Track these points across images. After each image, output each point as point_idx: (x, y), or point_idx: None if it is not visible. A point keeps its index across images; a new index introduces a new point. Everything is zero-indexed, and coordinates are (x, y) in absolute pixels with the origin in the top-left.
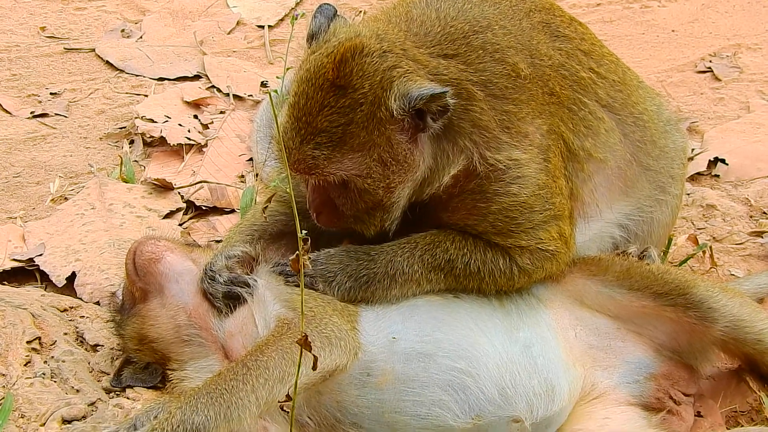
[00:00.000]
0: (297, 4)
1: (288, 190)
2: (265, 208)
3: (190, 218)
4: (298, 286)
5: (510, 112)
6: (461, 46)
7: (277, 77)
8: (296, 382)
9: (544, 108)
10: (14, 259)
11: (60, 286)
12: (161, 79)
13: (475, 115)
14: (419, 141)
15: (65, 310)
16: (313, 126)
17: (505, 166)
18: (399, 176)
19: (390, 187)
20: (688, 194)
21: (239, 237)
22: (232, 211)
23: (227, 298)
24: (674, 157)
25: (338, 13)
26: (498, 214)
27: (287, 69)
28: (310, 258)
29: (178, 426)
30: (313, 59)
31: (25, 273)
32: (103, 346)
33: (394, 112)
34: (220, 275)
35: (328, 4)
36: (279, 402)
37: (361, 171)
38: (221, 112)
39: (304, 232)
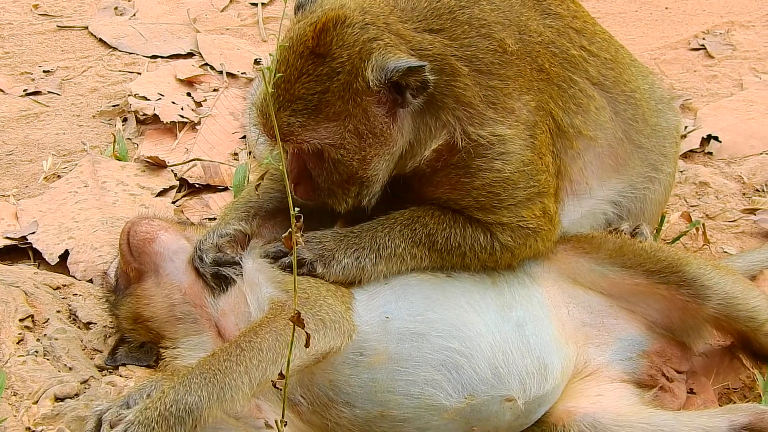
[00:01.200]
0: None
1: (280, 167)
2: (258, 185)
3: (184, 196)
4: (290, 266)
5: (496, 88)
6: (447, 21)
7: (270, 54)
8: (288, 359)
9: (532, 84)
10: (7, 237)
11: (53, 264)
12: (154, 56)
13: (459, 91)
14: (398, 116)
15: (58, 288)
16: (291, 93)
17: (488, 141)
18: (375, 149)
19: (365, 159)
20: (681, 171)
21: (234, 214)
22: (226, 188)
23: (216, 278)
24: (666, 136)
25: None
26: (481, 189)
27: (279, 46)
28: (302, 236)
29: (171, 405)
30: (296, 28)
31: (18, 251)
32: (96, 323)
33: (370, 84)
34: (206, 255)
35: None
36: (272, 380)
37: (335, 141)
38: (214, 90)
39: (297, 209)
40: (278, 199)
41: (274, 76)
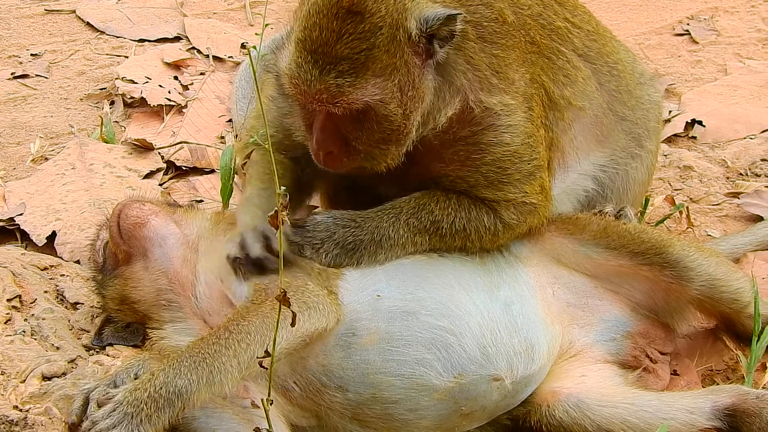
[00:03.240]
0: None
1: (267, 146)
2: (244, 164)
3: (171, 178)
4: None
5: (499, 57)
6: None
7: (256, 33)
8: (275, 337)
9: (526, 56)
10: None
11: (40, 245)
12: (142, 40)
13: (469, 54)
14: (426, 69)
15: (45, 268)
16: (332, 55)
17: (500, 110)
18: (414, 103)
19: (406, 113)
20: (666, 155)
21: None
22: (212, 171)
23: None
24: (649, 109)
25: None
26: (491, 165)
27: (265, 25)
28: (288, 215)
29: (161, 388)
30: None
31: (6, 232)
32: (83, 304)
33: (412, 34)
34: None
35: None
36: (258, 358)
37: (384, 96)
38: (201, 74)
39: (282, 188)
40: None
41: (306, 42)
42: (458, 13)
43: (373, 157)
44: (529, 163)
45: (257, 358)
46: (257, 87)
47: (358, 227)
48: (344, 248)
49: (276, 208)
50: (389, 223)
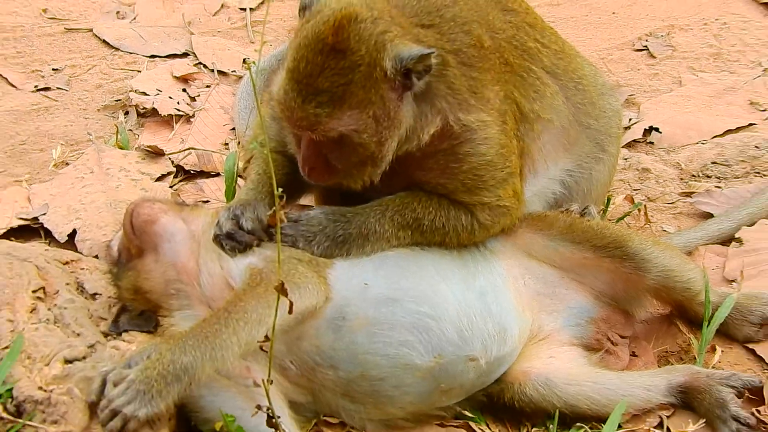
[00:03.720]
0: None
1: (265, 152)
2: (245, 168)
3: (180, 181)
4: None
5: (476, 79)
6: (436, 18)
7: (255, 50)
8: (273, 324)
9: (500, 76)
10: (21, 218)
11: (62, 241)
12: (153, 56)
13: (450, 79)
14: (405, 99)
15: (67, 262)
16: (315, 87)
17: (476, 126)
18: (389, 131)
19: (381, 141)
20: (626, 159)
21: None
22: (218, 174)
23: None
24: (611, 117)
25: None
26: (468, 173)
27: (263, 43)
28: (286, 213)
29: (169, 365)
30: (309, 27)
31: (31, 230)
32: (101, 294)
33: (388, 72)
34: (224, 227)
35: None
36: (258, 342)
37: (358, 126)
38: (207, 86)
39: (280, 189)
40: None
41: (294, 72)
42: (431, 52)
43: (351, 175)
44: (502, 171)
45: (258, 342)
46: (257, 98)
47: (348, 222)
48: (334, 240)
49: (274, 208)
50: (376, 219)
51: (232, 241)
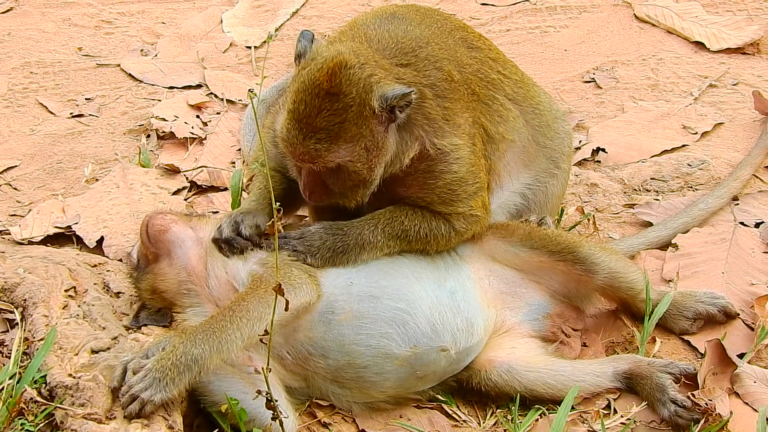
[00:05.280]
0: (277, 29)
1: (265, 171)
2: (248, 184)
3: (193, 194)
4: (271, 249)
5: (449, 108)
6: (412, 58)
7: (257, 83)
8: (272, 320)
9: (469, 105)
10: (56, 227)
11: (91, 247)
12: (171, 87)
13: (427, 110)
14: (390, 130)
15: (95, 265)
16: (313, 126)
17: (449, 149)
18: (377, 159)
19: (371, 167)
20: (577, 175)
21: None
22: (226, 189)
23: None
24: (564, 137)
25: (315, 36)
26: (443, 187)
27: (263, 78)
28: (283, 224)
29: (181, 356)
30: (305, 73)
31: (65, 237)
32: (124, 293)
33: (376, 110)
34: (225, 231)
35: (307, 30)
36: (259, 336)
37: (352, 157)
38: (217, 113)
39: (278, 204)
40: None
41: (295, 113)
42: (411, 90)
43: (346, 196)
44: (473, 185)
45: (258, 335)
46: (258, 124)
47: (345, 234)
48: (335, 252)
49: (273, 219)
50: (369, 231)
51: (229, 245)
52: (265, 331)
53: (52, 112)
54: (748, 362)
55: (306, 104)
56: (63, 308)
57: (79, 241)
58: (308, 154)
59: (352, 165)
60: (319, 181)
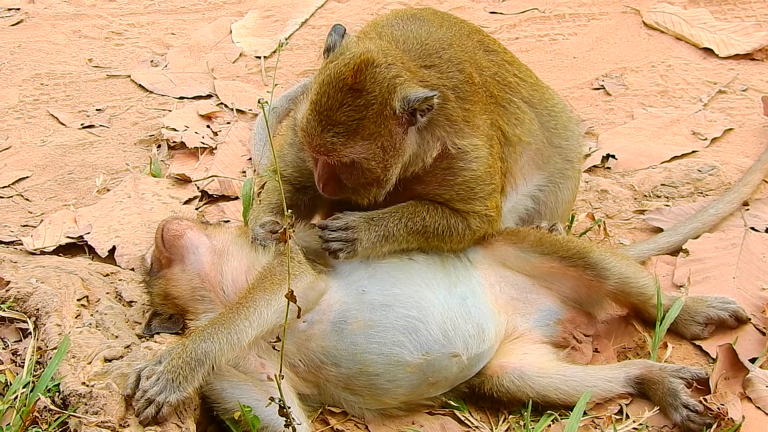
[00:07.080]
0: (286, 39)
1: (277, 179)
2: (259, 192)
3: (204, 204)
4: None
5: (469, 110)
6: (436, 59)
7: (267, 92)
8: (284, 326)
9: (487, 107)
10: (68, 237)
11: (103, 256)
12: (181, 97)
13: (449, 112)
14: (409, 132)
15: (107, 275)
16: (333, 119)
17: (469, 149)
18: (393, 159)
19: (386, 167)
20: (587, 182)
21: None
22: (237, 198)
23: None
24: (578, 137)
25: (347, 31)
26: (462, 185)
27: (275, 86)
28: (293, 230)
29: (191, 353)
30: (332, 67)
31: (77, 247)
32: (136, 302)
33: (397, 111)
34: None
35: (339, 24)
36: (271, 343)
37: (368, 155)
38: (227, 123)
39: (289, 210)
40: (289, 198)
41: (317, 104)
42: (434, 94)
43: (358, 193)
44: (489, 185)
45: (270, 342)
46: (269, 133)
47: (376, 225)
48: (372, 243)
49: (284, 226)
50: (394, 224)
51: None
52: (277, 338)
53: (63, 123)
54: (760, 367)
55: (329, 97)
56: (76, 317)
57: (91, 250)
58: (324, 146)
59: (366, 162)
60: (333, 175)
